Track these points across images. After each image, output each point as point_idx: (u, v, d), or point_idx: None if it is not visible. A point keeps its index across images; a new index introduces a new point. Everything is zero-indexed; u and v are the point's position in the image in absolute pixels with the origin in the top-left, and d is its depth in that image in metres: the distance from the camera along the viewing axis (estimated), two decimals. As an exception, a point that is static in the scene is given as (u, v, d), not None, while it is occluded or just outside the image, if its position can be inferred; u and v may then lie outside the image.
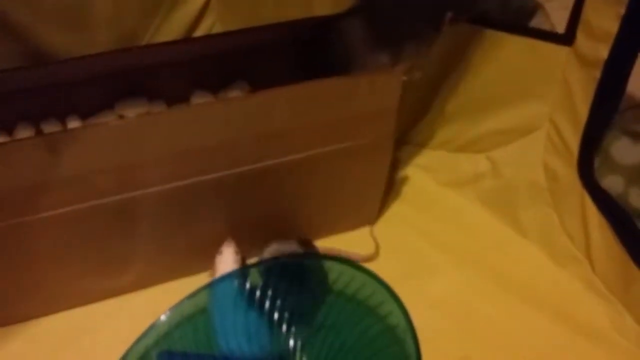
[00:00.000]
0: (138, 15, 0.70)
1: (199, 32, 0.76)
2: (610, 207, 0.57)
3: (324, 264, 0.51)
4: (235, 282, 0.51)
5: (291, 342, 0.49)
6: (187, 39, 0.71)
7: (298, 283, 0.51)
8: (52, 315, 0.56)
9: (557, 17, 0.62)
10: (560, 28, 0.59)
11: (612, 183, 0.59)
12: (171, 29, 0.73)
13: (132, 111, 0.58)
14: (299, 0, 0.68)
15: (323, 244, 0.61)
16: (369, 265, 0.55)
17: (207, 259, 0.55)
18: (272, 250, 0.56)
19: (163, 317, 0.49)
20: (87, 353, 0.53)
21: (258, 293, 0.50)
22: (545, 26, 0.62)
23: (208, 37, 0.71)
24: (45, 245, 0.50)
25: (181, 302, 0.50)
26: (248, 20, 0.68)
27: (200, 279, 0.55)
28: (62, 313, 0.56)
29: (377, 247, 0.61)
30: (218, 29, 0.77)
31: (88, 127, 0.50)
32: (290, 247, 0.57)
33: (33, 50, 0.61)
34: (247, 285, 0.50)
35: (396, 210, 0.66)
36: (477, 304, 0.57)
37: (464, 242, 0.63)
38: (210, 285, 0.50)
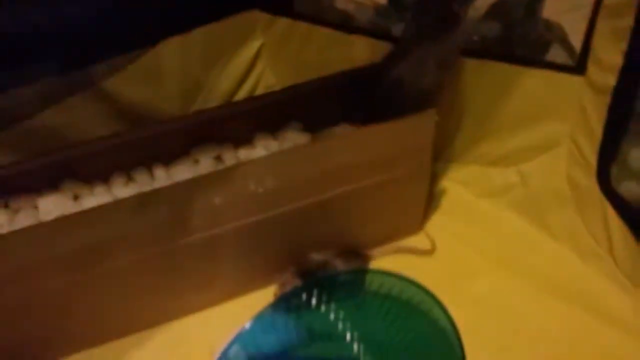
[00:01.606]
0: (201, 66, 0.76)
1: (251, 78, 0.81)
2: (627, 210, 0.60)
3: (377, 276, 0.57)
4: (304, 295, 0.58)
5: (355, 347, 0.55)
6: (251, 97, 0.79)
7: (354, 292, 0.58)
8: (155, 328, 0.61)
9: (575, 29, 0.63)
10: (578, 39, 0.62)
11: (628, 188, 0.61)
12: (229, 75, 0.79)
13: (205, 155, 0.65)
14: (339, 46, 0.73)
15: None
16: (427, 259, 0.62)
17: (277, 274, 0.61)
18: (314, 258, 0.61)
19: (248, 325, 0.56)
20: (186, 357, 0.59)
21: (322, 306, 0.57)
22: (562, 52, 0.64)
23: (265, 94, 0.76)
24: (139, 277, 0.57)
25: (262, 310, 0.57)
26: (293, 67, 0.76)
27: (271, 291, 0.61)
28: (162, 325, 0.62)
29: (433, 243, 0.66)
30: (267, 74, 0.82)
31: (179, 184, 0.56)
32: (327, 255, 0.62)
33: (117, 108, 0.69)
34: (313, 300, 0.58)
35: (436, 220, 0.70)
36: (514, 301, 0.61)
37: (500, 246, 0.66)
38: (284, 297, 0.58)
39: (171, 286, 0.60)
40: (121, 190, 0.63)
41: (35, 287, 0.53)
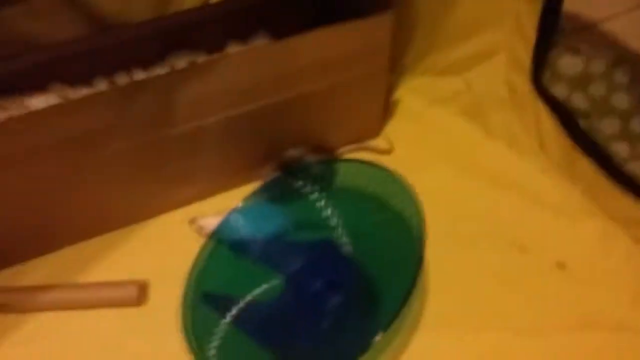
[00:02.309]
0: None
1: None
2: (558, 108, 0.68)
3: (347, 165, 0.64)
4: (285, 184, 0.63)
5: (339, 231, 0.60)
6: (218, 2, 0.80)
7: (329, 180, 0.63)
8: (135, 224, 0.66)
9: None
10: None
11: (558, 90, 0.68)
12: None
13: (180, 61, 0.69)
14: None
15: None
16: (385, 158, 0.68)
17: (256, 171, 0.66)
18: (290, 153, 0.67)
19: (233, 211, 0.61)
20: (172, 248, 0.64)
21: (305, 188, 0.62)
22: None
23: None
24: (127, 167, 0.60)
25: (246, 198, 0.62)
26: None
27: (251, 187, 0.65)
28: (143, 222, 0.67)
29: (391, 144, 0.73)
30: None
31: (160, 77, 0.60)
32: (301, 151, 0.67)
33: (89, 17, 0.71)
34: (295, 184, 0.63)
35: (393, 125, 0.76)
36: (459, 190, 0.68)
37: (449, 144, 0.73)
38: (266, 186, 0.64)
39: (156, 179, 0.64)
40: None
41: (25, 174, 0.56)
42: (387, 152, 0.73)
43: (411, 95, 0.79)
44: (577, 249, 0.62)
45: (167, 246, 0.65)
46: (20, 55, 0.64)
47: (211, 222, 0.62)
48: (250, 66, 0.60)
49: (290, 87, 0.63)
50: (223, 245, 0.60)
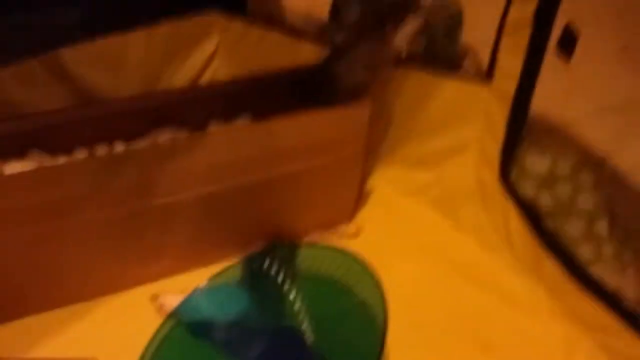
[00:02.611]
0: (161, 60, 0.82)
1: (207, 75, 0.88)
2: (524, 206, 0.68)
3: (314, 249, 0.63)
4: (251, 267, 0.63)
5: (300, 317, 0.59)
6: (207, 83, 0.85)
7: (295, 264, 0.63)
8: (95, 299, 0.65)
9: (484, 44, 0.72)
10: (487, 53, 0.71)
11: (526, 187, 0.69)
12: (186, 71, 0.85)
13: (163, 137, 0.70)
14: (286, 53, 0.81)
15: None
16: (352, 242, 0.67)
17: (226, 250, 0.66)
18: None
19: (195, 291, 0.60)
20: (129, 326, 0.62)
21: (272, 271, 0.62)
22: (474, 67, 0.75)
23: (220, 82, 0.84)
24: (96, 239, 0.60)
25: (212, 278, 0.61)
26: (246, 68, 0.82)
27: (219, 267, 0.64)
28: (103, 296, 0.65)
29: (358, 228, 0.73)
30: (221, 72, 0.88)
31: (140, 150, 0.62)
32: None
33: (80, 90, 0.74)
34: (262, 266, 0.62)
35: (364, 213, 0.77)
36: (426, 282, 0.68)
37: (418, 234, 0.74)
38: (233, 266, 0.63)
39: (125, 253, 0.63)
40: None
41: None
42: (355, 235, 0.74)
43: (384, 184, 0.81)
44: (540, 351, 0.61)
45: (125, 324, 0.63)
46: (1, 120, 0.65)
47: (172, 301, 0.61)
48: (229, 145, 0.61)
49: (268, 168, 0.64)
50: (181, 326, 0.59)
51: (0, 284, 0.60)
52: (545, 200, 0.69)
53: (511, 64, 0.67)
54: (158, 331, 0.58)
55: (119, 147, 0.69)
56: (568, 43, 0.60)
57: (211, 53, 0.88)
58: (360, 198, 0.78)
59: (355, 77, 0.66)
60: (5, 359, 0.58)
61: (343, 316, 0.58)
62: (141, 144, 0.70)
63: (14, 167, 0.64)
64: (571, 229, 0.66)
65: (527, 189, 0.70)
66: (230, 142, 0.61)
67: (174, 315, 0.59)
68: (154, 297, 0.63)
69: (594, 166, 0.67)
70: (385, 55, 0.68)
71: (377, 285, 0.55)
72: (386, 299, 0.54)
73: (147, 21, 0.77)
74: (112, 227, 0.60)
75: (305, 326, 0.59)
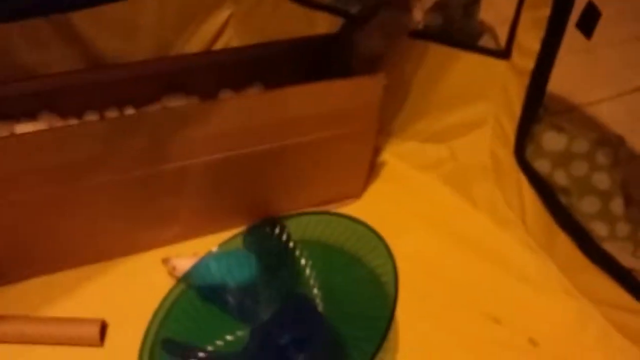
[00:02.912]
0: (174, 27, 0.81)
1: (219, 44, 0.87)
2: (539, 183, 0.68)
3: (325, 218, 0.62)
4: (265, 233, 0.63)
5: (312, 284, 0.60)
6: (220, 50, 0.83)
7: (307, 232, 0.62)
8: (108, 261, 0.65)
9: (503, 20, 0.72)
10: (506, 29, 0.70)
11: (541, 165, 0.69)
12: (198, 39, 0.84)
13: (174, 103, 0.70)
14: (300, 22, 0.80)
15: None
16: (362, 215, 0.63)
17: (236, 219, 0.67)
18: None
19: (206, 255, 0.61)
20: (141, 289, 0.62)
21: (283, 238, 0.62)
22: (492, 43, 0.74)
23: (233, 48, 0.83)
24: (109, 202, 0.60)
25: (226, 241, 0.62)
26: (258, 38, 0.81)
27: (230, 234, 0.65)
28: (116, 259, 0.65)
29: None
30: (234, 42, 0.88)
31: (152, 113, 0.61)
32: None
33: (91, 54, 0.74)
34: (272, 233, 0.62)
35: (375, 187, 0.76)
36: (437, 256, 0.68)
37: (430, 211, 0.73)
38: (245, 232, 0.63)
39: (137, 216, 0.63)
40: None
41: (10, 199, 0.56)
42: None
43: (396, 159, 0.80)
44: (551, 326, 0.61)
45: (136, 287, 0.63)
46: (14, 81, 0.64)
47: (185, 264, 0.61)
48: (240, 113, 0.60)
49: (279, 137, 0.63)
50: (192, 290, 0.59)
51: (12, 244, 0.60)
52: (560, 178, 0.68)
53: (530, 42, 0.65)
54: (168, 295, 0.58)
55: (129, 112, 0.69)
56: (588, 22, 0.59)
57: (224, 21, 0.87)
58: (371, 172, 0.77)
59: (371, 48, 0.65)
60: (17, 317, 0.59)
61: (353, 285, 0.58)
62: (152, 109, 0.69)
63: (25, 128, 0.64)
64: (586, 207, 0.66)
65: (542, 167, 0.70)
66: (242, 110, 0.60)
67: (185, 279, 0.60)
68: (166, 260, 0.63)
69: (611, 147, 0.67)
70: (402, 26, 0.67)
71: (388, 255, 0.55)
72: (396, 267, 0.53)
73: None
74: (123, 191, 0.60)
75: (316, 293, 0.59)
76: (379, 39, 0.65)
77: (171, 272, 0.62)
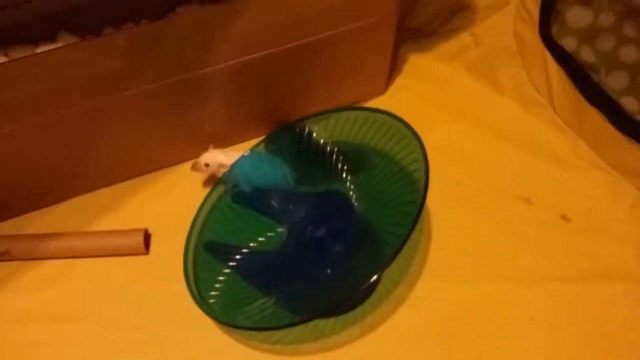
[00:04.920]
0: None
1: None
2: (566, 60, 0.67)
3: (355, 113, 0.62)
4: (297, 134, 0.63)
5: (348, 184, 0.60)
6: None
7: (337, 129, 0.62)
8: (142, 177, 0.67)
9: None
10: None
11: (567, 42, 0.67)
12: None
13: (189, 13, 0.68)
14: None
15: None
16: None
17: (259, 127, 0.67)
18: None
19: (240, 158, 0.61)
20: (177, 199, 0.65)
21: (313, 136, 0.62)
22: None
23: None
24: (138, 117, 0.61)
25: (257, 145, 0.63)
26: None
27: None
28: (149, 174, 0.67)
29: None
30: None
31: (173, 22, 0.58)
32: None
33: None
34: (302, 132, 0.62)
35: (399, 83, 0.75)
36: (466, 144, 0.68)
37: (456, 101, 0.72)
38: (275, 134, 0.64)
39: (169, 129, 0.64)
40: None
41: (34, 120, 0.56)
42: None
43: (417, 53, 0.78)
44: (583, 201, 0.62)
45: (172, 197, 0.65)
46: (28, 2, 0.64)
47: (211, 156, 0.62)
48: (257, 13, 0.59)
49: (298, 35, 0.62)
50: (227, 194, 0.60)
51: (53, 165, 0.62)
52: (587, 55, 0.67)
53: None
54: (205, 201, 0.59)
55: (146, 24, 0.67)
56: None
57: None
58: (393, 69, 0.76)
59: None
60: (64, 233, 0.61)
61: (384, 177, 0.58)
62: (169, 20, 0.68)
63: (46, 49, 0.64)
64: (614, 82, 0.65)
65: (569, 44, 0.68)
66: (257, 9, 0.59)
67: (220, 184, 0.61)
68: (194, 164, 0.63)
69: (638, 16, 0.64)
70: None
71: (415, 138, 0.55)
72: (426, 155, 0.54)
73: None
74: (151, 103, 0.60)
75: (348, 186, 0.60)
76: None
77: (203, 169, 0.62)
